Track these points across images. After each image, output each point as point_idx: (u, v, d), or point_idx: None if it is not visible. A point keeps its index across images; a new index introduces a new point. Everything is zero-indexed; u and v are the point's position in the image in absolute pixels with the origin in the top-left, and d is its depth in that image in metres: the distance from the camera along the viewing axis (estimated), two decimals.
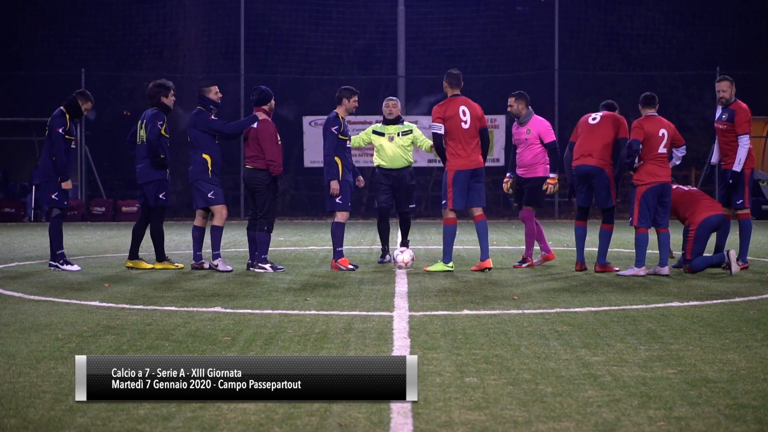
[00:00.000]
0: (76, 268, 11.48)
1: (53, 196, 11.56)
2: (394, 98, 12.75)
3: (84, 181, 28.36)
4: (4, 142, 29.73)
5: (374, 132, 12.49)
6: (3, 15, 30.55)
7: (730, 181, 11.14)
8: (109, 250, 12.74)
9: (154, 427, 4.32)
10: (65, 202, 11.65)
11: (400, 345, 6.25)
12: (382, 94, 29.44)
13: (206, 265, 11.40)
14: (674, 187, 11.33)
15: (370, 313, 7.71)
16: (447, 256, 11.14)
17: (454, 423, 4.37)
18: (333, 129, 11.50)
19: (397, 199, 12.34)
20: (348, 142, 11.67)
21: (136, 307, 8.17)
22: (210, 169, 11.31)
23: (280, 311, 7.84)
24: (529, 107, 11.74)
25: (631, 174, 10.88)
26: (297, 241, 16.90)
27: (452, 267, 11.09)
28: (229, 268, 11.26)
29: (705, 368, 5.50)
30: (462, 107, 10.93)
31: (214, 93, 11.42)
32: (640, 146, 10.72)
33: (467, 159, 10.92)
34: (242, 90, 28.24)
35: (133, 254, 11.73)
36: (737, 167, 11.14)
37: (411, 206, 12.33)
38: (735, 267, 10.58)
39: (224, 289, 9.52)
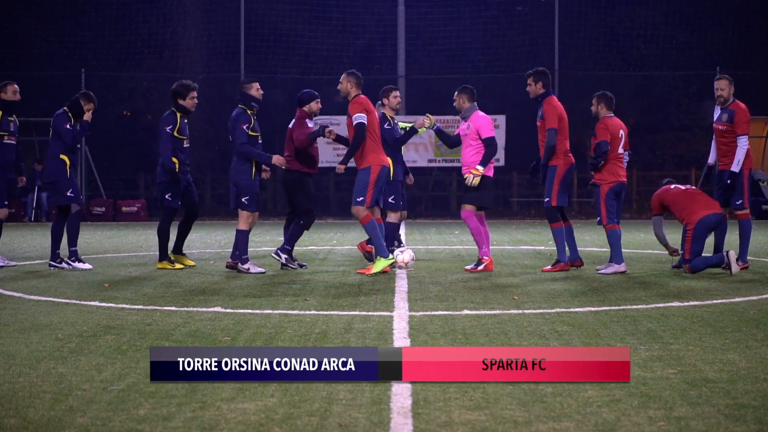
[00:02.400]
0: (88, 266, 11.54)
1: (69, 194, 11.56)
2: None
3: (84, 181, 28.36)
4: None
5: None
6: (3, 15, 30.56)
7: (728, 181, 11.14)
8: (109, 251, 12.74)
9: (154, 427, 4.32)
10: (81, 197, 11.65)
11: (400, 345, 6.25)
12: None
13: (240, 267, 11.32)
14: (672, 186, 11.34)
15: (370, 313, 7.71)
16: (382, 250, 10.68)
17: (454, 423, 4.37)
18: (385, 126, 11.64)
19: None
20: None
21: (136, 307, 8.17)
22: (254, 170, 11.17)
23: (280, 311, 7.84)
24: (474, 102, 11.24)
25: (593, 174, 11.11)
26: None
27: (392, 259, 10.82)
28: (262, 270, 11.22)
29: (705, 368, 5.50)
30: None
31: (255, 90, 11.24)
32: (609, 147, 11.00)
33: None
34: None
35: (178, 250, 11.76)
36: (736, 168, 11.14)
37: (400, 203, 12.58)
38: (735, 267, 10.58)
39: (224, 289, 9.52)
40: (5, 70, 29.05)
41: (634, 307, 8.10)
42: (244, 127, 11.00)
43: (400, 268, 11.24)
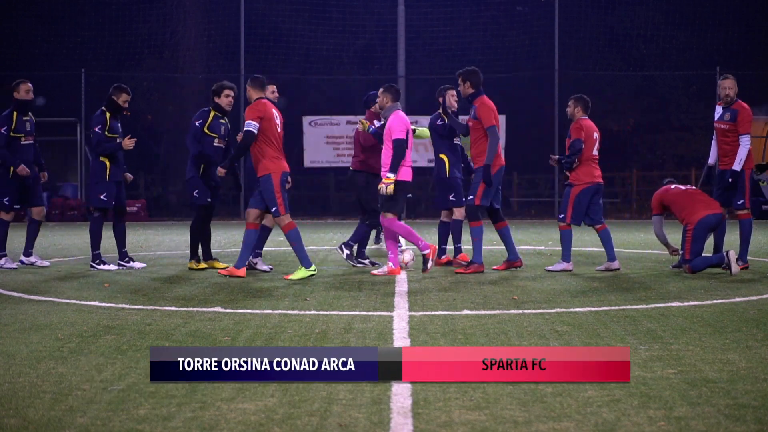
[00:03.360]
0: (113, 267, 11.54)
1: (102, 197, 11.57)
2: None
3: (84, 181, 28.35)
4: None
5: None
6: (3, 15, 30.56)
7: (730, 180, 11.14)
8: (109, 251, 12.73)
9: (154, 427, 4.32)
10: (112, 203, 11.66)
11: (400, 345, 6.24)
12: None
13: (259, 266, 11.37)
14: (672, 187, 11.34)
15: (370, 313, 7.71)
16: (305, 260, 10.44)
17: (454, 423, 4.37)
18: (438, 122, 11.78)
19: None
20: (457, 138, 11.92)
21: (136, 307, 8.17)
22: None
23: (280, 311, 7.84)
24: (397, 103, 10.86)
25: (567, 174, 11.18)
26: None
27: (314, 270, 10.51)
28: (267, 268, 11.30)
29: (705, 368, 5.50)
30: (273, 110, 10.63)
31: (270, 92, 11.32)
32: (582, 145, 11.13)
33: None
34: (242, 90, 28.21)
35: (204, 255, 11.67)
36: (737, 166, 11.15)
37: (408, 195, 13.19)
38: (735, 267, 10.58)
39: (224, 289, 9.52)
40: (5, 70, 29.05)
41: (634, 307, 8.10)
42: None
43: (401, 268, 11.23)
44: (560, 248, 11.32)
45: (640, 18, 31.20)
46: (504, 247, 11.50)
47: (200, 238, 11.59)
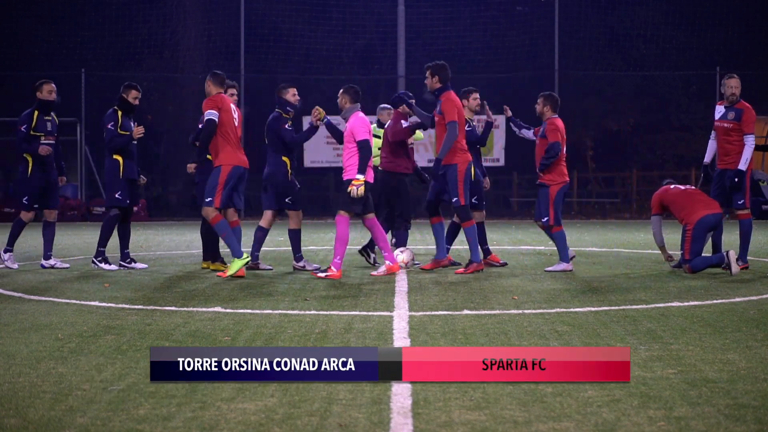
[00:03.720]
0: (114, 267, 11.52)
1: (117, 195, 11.55)
2: (387, 106, 13.76)
3: (84, 181, 28.36)
4: (4, 142, 29.72)
5: (373, 135, 13.54)
6: (3, 15, 30.56)
7: (736, 179, 11.14)
8: (109, 251, 12.73)
9: (154, 427, 4.32)
10: (127, 201, 11.65)
11: (400, 345, 6.24)
12: (382, 94, 29.46)
13: (261, 266, 11.38)
14: (671, 187, 11.34)
15: (370, 313, 7.71)
16: (237, 251, 10.35)
17: (454, 423, 4.37)
18: (465, 128, 11.63)
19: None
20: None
21: (136, 307, 8.17)
22: (289, 171, 11.34)
23: (280, 311, 7.84)
24: (357, 104, 10.72)
25: (540, 174, 11.14)
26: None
27: (247, 258, 10.45)
28: (315, 266, 11.34)
29: (705, 368, 5.50)
30: (231, 105, 10.68)
31: (291, 95, 11.42)
32: (561, 148, 11.16)
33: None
34: (242, 90, 28.23)
35: (208, 255, 11.61)
36: (743, 166, 11.15)
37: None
38: (735, 267, 10.58)
39: (224, 289, 9.52)
40: (5, 70, 29.09)
41: (634, 307, 8.10)
42: (287, 126, 11.31)
43: (400, 268, 11.23)
44: (552, 247, 11.33)
45: (640, 18, 31.20)
46: (436, 246, 11.35)
47: (213, 238, 11.51)
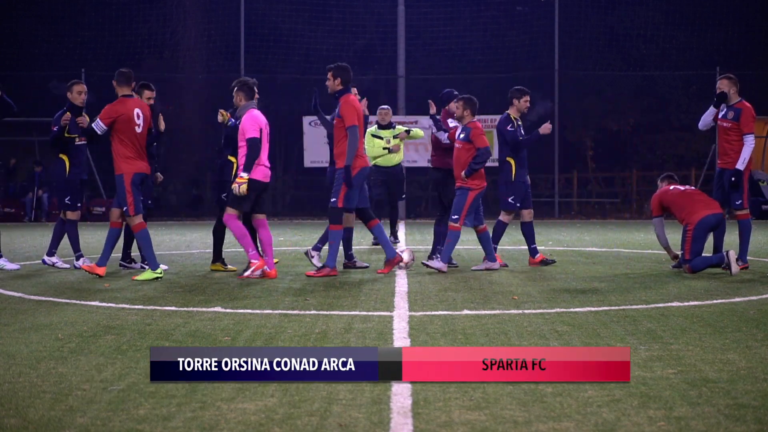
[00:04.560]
0: (137, 266, 11.54)
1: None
2: (387, 107, 14.78)
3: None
4: (4, 142, 29.73)
5: (372, 135, 14.58)
6: (3, 15, 30.56)
7: (733, 179, 11.13)
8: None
9: (154, 427, 4.32)
10: (149, 202, 11.63)
11: (400, 345, 6.24)
12: (382, 94, 29.44)
13: (358, 264, 11.53)
14: (671, 187, 11.33)
15: (370, 313, 7.71)
16: (153, 263, 10.40)
17: (454, 423, 4.37)
18: (508, 128, 11.71)
19: (390, 191, 14.87)
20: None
21: (136, 307, 8.17)
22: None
23: (280, 311, 7.84)
24: (252, 101, 10.63)
25: (465, 177, 10.96)
26: (297, 241, 16.90)
27: (161, 273, 10.40)
28: (367, 265, 11.52)
29: (705, 368, 5.50)
30: (136, 109, 10.56)
31: (146, 97, 11.42)
32: (491, 154, 11.18)
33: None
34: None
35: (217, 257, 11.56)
36: (741, 165, 11.14)
37: (402, 196, 13.47)
38: (735, 267, 10.58)
39: (224, 289, 9.52)
40: (5, 70, 29.08)
41: (634, 307, 8.10)
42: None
43: (400, 268, 11.24)
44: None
45: (640, 18, 31.19)
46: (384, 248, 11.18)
47: (222, 238, 11.48)
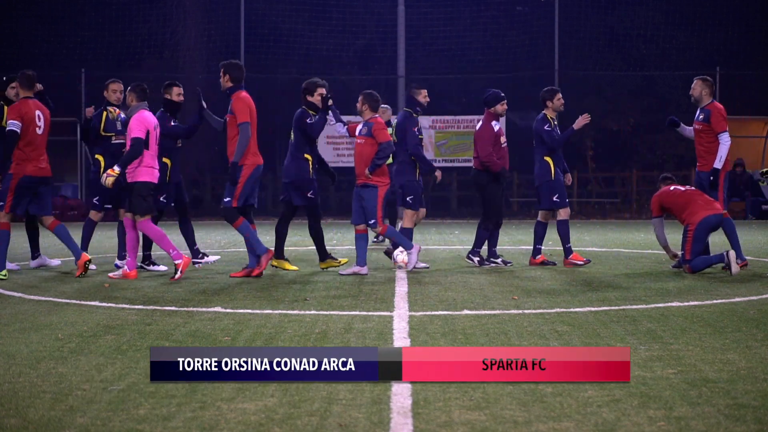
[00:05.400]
0: (162, 268, 11.47)
1: (161, 199, 11.46)
2: (385, 106, 14.52)
3: (84, 182, 28.35)
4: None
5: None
6: (3, 15, 30.57)
7: (711, 178, 11.14)
8: (110, 250, 12.74)
9: (154, 427, 4.32)
10: (171, 203, 11.64)
11: (400, 345, 6.24)
12: (382, 94, 29.42)
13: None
14: (672, 188, 11.32)
15: (370, 313, 7.71)
16: (2, 262, 10.56)
17: (454, 423, 4.37)
18: (546, 128, 11.82)
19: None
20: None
21: (136, 307, 8.17)
22: (417, 172, 11.71)
23: (280, 311, 7.84)
24: (144, 102, 10.56)
25: (369, 175, 10.80)
26: (297, 242, 16.89)
27: (5, 275, 10.47)
28: (424, 265, 11.47)
29: (705, 368, 5.50)
30: (37, 111, 10.57)
31: (423, 96, 11.72)
32: (394, 148, 11.15)
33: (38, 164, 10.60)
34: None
35: (279, 253, 11.48)
36: (718, 164, 11.17)
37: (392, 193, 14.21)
38: (735, 267, 10.57)
39: (224, 289, 9.52)
40: (5, 70, 29.07)
41: (634, 307, 8.10)
42: (415, 130, 11.63)
43: (400, 268, 11.24)
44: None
45: (640, 18, 31.18)
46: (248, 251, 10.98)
47: (284, 237, 11.48)
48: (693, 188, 11.43)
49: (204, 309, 7.99)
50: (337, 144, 28.04)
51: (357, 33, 30.88)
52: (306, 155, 11.23)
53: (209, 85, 32.70)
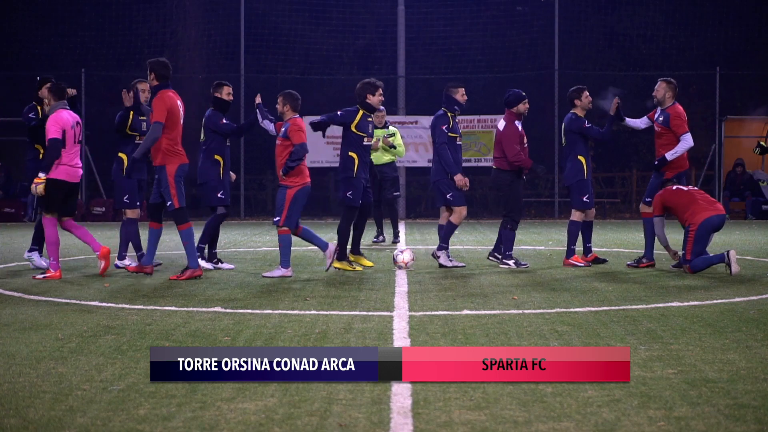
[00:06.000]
0: (228, 266, 11.46)
1: (219, 195, 11.47)
2: (380, 108, 14.47)
3: (84, 181, 28.33)
4: (4, 143, 29.73)
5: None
6: (3, 15, 30.57)
7: (656, 162, 11.23)
8: (110, 250, 12.72)
9: (154, 427, 4.32)
10: (229, 200, 11.64)
11: (400, 345, 6.24)
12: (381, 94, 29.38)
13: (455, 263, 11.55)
14: (674, 188, 11.33)
15: (370, 313, 7.71)
16: None
17: (454, 423, 4.37)
18: (587, 125, 11.86)
19: (383, 188, 15.09)
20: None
21: (136, 307, 8.17)
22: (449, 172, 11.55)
23: (280, 311, 7.84)
24: (63, 101, 10.51)
25: (283, 176, 10.75)
26: (297, 241, 16.88)
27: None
28: (460, 264, 11.54)
29: (705, 368, 5.50)
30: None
31: (460, 95, 11.65)
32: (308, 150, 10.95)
33: None
34: (242, 90, 28.20)
35: (354, 249, 11.58)
36: (670, 156, 11.27)
37: (396, 193, 13.77)
38: (735, 267, 10.58)
39: (224, 289, 9.52)
40: (5, 70, 29.09)
41: (634, 307, 8.10)
42: (444, 128, 11.46)
43: (400, 268, 11.24)
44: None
45: (640, 18, 31.17)
46: (147, 249, 11.03)
47: (347, 237, 11.44)
48: (695, 188, 11.41)
49: (204, 309, 7.99)
50: (337, 144, 28.01)
51: (357, 33, 30.87)
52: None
53: (209, 85, 32.70)
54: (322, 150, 28.54)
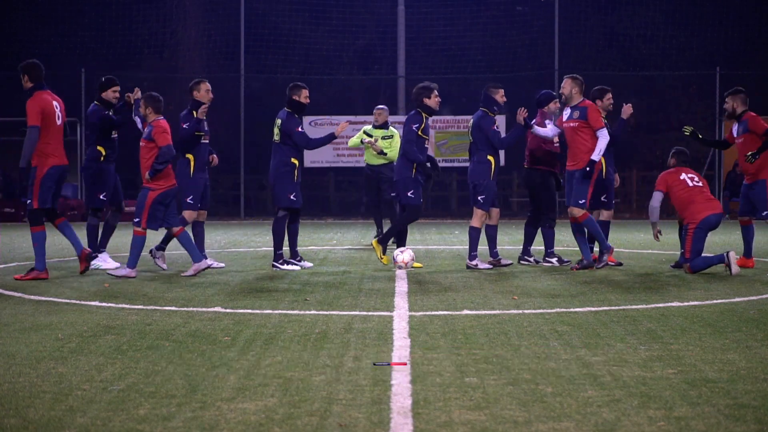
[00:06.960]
0: (294, 267, 11.39)
1: (291, 197, 11.41)
2: (382, 107, 15.10)
3: (84, 182, 28.34)
4: (4, 143, 29.73)
5: (365, 133, 14.99)
6: (3, 15, 30.57)
7: (588, 168, 11.08)
8: (110, 250, 12.72)
9: (154, 427, 4.32)
10: (301, 203, 11.61)
11: (400, 345, 6.25)
12: (382, 94, 29.42)
13: (482, 265, 11.45)
14: (680, 176, 11.26)
15: (370, 313, 7.71)
16: None
17: (454, 423, 4.37)
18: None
19: (381, 188, 14.98)
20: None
21: (136, 307, 8.17)
22: (492, 171, 11.48)
23: (280, 311, 7.84)
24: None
25: (149, 178, 10.66)
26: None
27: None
28: (486, 266, 11.45)
29: (705, 368, 5.50)
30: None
31: (500, 96, 11.57)
32: (174, 152, 10.83)
33: None
34: (242, 90, 28.23)
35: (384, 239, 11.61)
36: (596, 156, 11.13)
37: (393, 194, 13.82)
38: (735, 267, 10.58)
39: (224, 289, 9.52)
40: (5, 69, 29.09)
41: (634, 307, 8.10)
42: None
43: (400, 268, 11.24)
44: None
45: (640, 18, 31.18)
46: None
47: (406, 233, 11.70)
48: (700, 184, 11.30)
49: (204, 309, 7.99)
50: (337, 144, 28.02)
51: (357, 33, 30.89)
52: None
53: (211, 85, 32.69)
54: (322, 150, 28.51)
